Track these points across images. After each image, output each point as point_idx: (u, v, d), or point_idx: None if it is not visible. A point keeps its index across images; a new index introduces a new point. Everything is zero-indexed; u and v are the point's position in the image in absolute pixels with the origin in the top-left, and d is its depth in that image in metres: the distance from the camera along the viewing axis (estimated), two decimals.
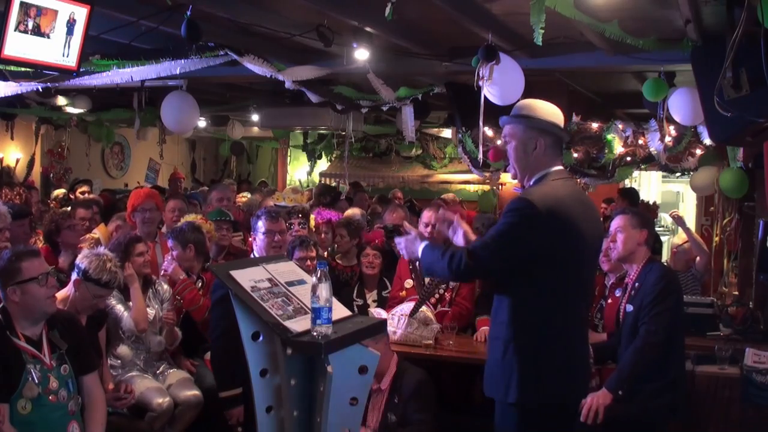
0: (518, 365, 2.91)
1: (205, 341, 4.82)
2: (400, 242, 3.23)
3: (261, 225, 4.29)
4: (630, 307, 4.06)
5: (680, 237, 6.40)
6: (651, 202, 10.81)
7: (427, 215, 5.08)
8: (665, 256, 8.19)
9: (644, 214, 4.62)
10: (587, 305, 3.22)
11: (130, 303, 4.36)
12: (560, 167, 3.09)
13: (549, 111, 3.09)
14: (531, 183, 3.06)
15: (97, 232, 5.72)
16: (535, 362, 2.92)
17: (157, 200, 5.69)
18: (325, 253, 5.79)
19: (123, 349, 4.38)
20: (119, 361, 4.41)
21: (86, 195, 8.55)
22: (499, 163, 6.40)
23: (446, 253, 2.93)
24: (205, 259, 4.95)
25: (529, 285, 2.93)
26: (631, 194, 9.15)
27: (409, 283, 5.07)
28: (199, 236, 4.99)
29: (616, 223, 4.18)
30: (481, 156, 6.37)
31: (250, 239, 5.21)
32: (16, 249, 3.34)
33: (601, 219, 9.44)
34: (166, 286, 4.65)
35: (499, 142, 3.27)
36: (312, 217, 6.07)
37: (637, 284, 4.06)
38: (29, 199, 7.54)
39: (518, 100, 4.37)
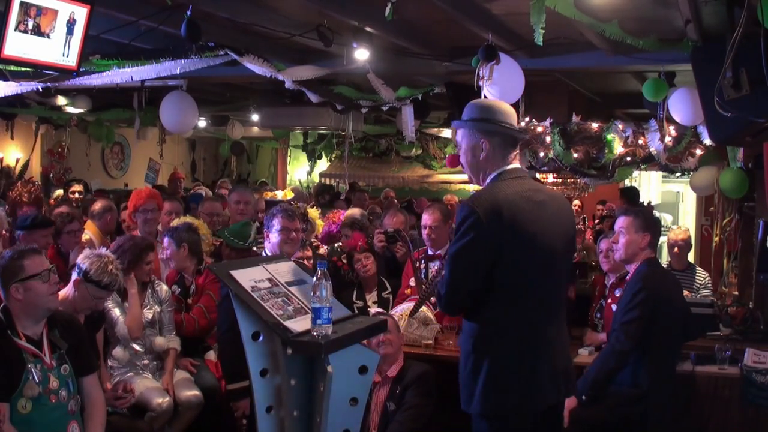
0: (481, 375, 2.82)
1: (205, 341, 4.83)
2: None
3: (276, 222, 4.26)
4: (615, 308, 4.04)
5: (677, 232, 6.36)
6: (646, 203, 10.74)
7: (424, 218, 5.08)
8: (663, 259, 8.17)
9: (649, 215, 4.48)
10: (552, 308, 2.96)
11: (126, 304, 4.36)
12: (513, 166, 2.96)
13: (498, 110, 2.97)
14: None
15: (87, 232, 5.71)
16: (496, 372, 2.82)
17: (158, 201, 5.70)
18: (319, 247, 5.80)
19: (118, 352, 4.37)
20: (118, 362, 4.40)
21: (77, 195, 8.55)
22: None
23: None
24: (198, 261, 4.95)
25: (485, 292, 2.82)
26: (632, 193, 9.12)
27: (413, 281, 5.07)
28: (195, 237, 4.99)
29: (619, 223, 4.09)
30: None
31: None
32: (17, 247, 3.35)
33: (596, 221, 9.31)
34: (164, 287, 4.65)
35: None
36: (319, 222, 6.10)
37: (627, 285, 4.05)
38: (40, 197, 7.44)
39: (517, 102, 4.33)
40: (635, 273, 3.99)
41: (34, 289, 3.16)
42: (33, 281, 3.16)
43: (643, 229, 4.01)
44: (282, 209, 4.34)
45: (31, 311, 3.18)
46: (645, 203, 10.50)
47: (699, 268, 6.27)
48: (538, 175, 6.99)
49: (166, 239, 4.95)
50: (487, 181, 2.95)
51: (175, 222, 5.32)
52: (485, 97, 4.86)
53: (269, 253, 4.23)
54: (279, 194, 7.18)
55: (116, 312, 4.32)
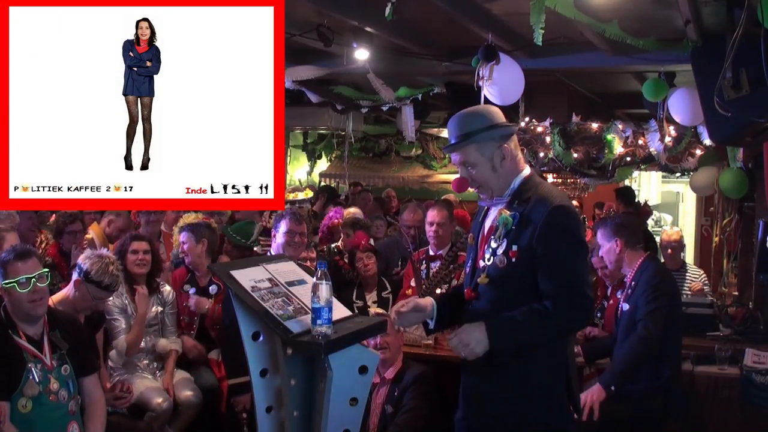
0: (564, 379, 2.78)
1: (207, 341, 4.83)
2: (456, 345, 2.62)
3: (283, 225, 4.35)
4: (626, 306, 4.05)
5: (670, 233, 6.36)
6: (642, 202, 10.71)
7: (431, 215, 5.07)
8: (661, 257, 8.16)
9: (617, 219, 4.37)
10: None
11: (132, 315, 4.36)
12: (528, 168, 2.76)
13: (496, 112, 2.72)
14: (511, 190, 2.68)
15: (91, 232, 5.71)
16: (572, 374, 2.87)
17: None
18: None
19: (113, 355, 4.36)
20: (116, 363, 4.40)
21: None
22: None
23: (538, 312, 2.54)
24: (212, 260, 4.96)
25: None
26: (627, 193, 9.10)
27: (414, 281, 5.07)
28: (213, 236, 5.04)
29: (597, 237, 4.25)
30: None
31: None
32: (13, 248, 3.33)
33: (596, 221, 9.25)
34: (168, 288, 4.65)
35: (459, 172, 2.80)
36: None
37: (633, 283, 4.06)
38: None
39: (517, 102, 4.27)
40: (644, 269, 4.02)
41: (12, 294, 3.15)
42: (10, 287, 3.15)
43: (611, 236, 4.11)
44: (291, 212, 4.41)
45: (17, 314, 3.18)
46: (641, 203, 10.48)
47: (692, 266, 6.28)
48: None
49: (184, 234, 4.95)
50: (515, 184, 2.68)
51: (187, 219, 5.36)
52: (485, 97, 4.86)
53: (273, 254, 4.25)
54: (299, 195, 7.18)
55: (118, 323, 4.32)
